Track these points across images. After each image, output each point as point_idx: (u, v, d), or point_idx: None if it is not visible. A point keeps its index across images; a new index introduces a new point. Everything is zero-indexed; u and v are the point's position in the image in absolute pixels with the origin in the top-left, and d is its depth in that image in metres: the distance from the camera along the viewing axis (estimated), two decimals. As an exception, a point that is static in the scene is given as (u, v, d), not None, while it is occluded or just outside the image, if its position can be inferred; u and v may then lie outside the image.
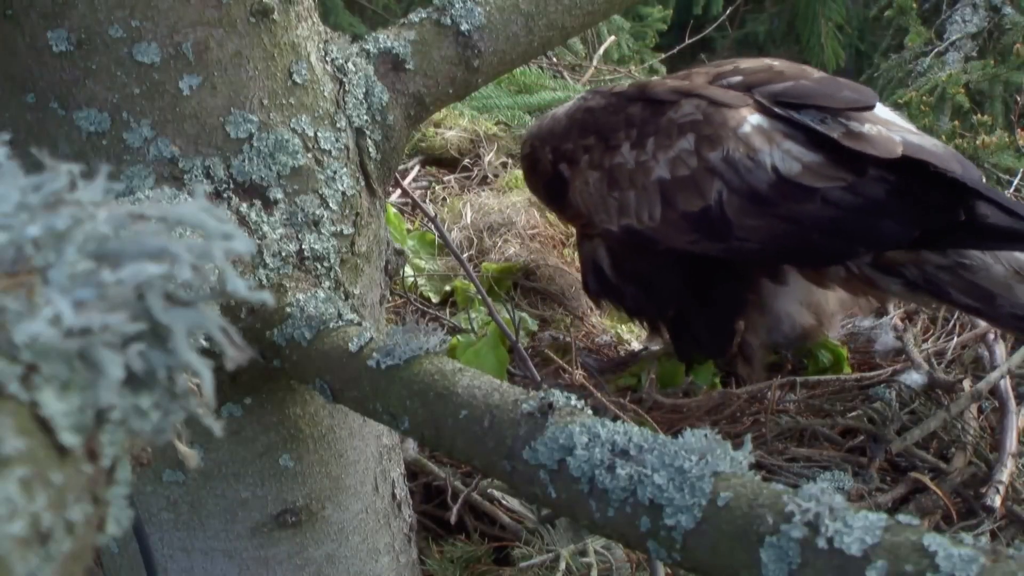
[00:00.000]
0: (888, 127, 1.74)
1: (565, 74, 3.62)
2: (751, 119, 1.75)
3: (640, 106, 1.87)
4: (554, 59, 3.75)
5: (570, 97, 3.14)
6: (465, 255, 2.38)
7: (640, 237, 1.84)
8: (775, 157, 1.71)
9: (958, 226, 1.62)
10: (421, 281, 2.33)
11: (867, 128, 1.71)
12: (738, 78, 1.87)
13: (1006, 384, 1.93)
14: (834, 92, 1.78)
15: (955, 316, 2.18)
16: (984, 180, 2.93)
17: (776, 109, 1.75)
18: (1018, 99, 3.48)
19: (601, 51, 3.95)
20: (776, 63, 1.93)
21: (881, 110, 1.82)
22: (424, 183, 2.82)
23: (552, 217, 2.59)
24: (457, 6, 1.23)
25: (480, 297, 1.94)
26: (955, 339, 2.14)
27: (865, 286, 1.81)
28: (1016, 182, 2.94)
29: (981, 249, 1.67)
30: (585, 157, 1.90)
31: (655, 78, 1.96)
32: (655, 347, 2.15)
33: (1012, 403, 1.90)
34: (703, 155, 1.75)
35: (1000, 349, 2.03)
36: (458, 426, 0.90)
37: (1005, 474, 1.71)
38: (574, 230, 2.22)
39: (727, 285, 1.88)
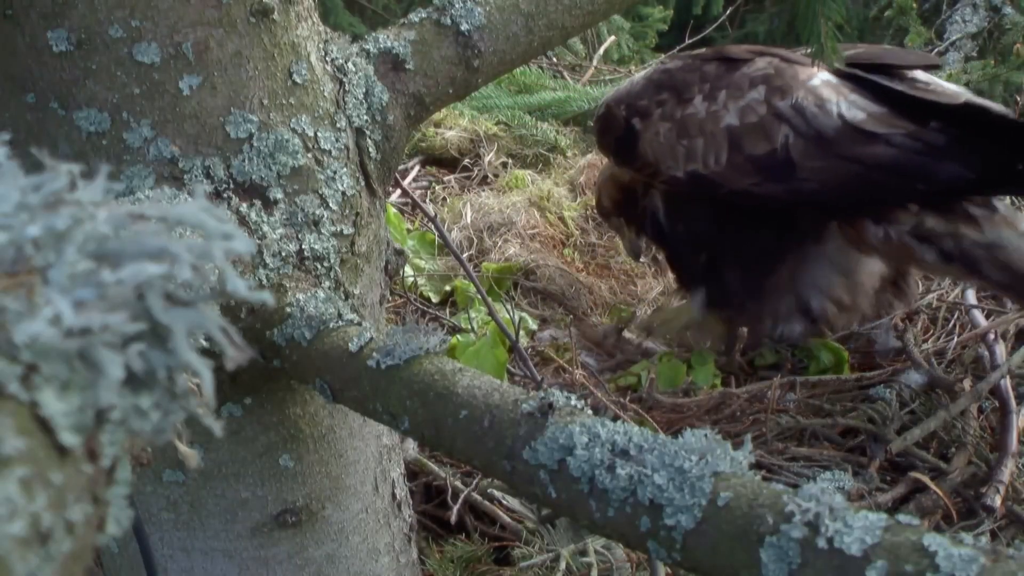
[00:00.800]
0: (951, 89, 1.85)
1: (565, 74, 3.62)
2: (822, 75, 1.86)
3: (715, 64, 1.99)
4: (554, 59, 3.75)
5: (571, 97, 3.15)
6: (465, 255, 2.38)
7: (704, 181, 1.92)
8: (842, 106, 1.82)
9: (1014, 175, 1.71)
10: (421, 281, 2.33)
11: (934, 84, 1.85)
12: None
13: (1006, 384, 1.93)
14: (902, 55, 1.94)
15: (955, 316, 2.18)
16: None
17: (846, 69, 1.82)
18: (1018, 99, 3.48)
19: (601, 51, 3.95)
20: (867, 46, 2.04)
21: (948, 84, 1.93)
22: (424, 183, 2.82)
23: (552, 217, 2.59)
24: (457, 6, 1.23)
25: (480, 297, 1.94)
26: (955, 339, 2.14)
27: (901, 253, 1.87)
28: (1016, 182, 2.93)
29: None
30: (658, 111, 1.99)
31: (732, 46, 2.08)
32: (652, 345, 2.15)
33: (1012, 403, 1.90)
34: (772, 103, 1.86)
35: (1000, 349, 2.03)
36: (458, 426, 0.90)
37: (1005, 474, 1.71)
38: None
39: (772, 234, 1.95)
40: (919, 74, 1.88)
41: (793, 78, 1.88)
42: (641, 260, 2.47)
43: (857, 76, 1.85)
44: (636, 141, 2.01)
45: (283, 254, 1.11)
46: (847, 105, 1.82)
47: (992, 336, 2.07)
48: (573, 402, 0.87)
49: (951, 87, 1.88)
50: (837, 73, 1.84)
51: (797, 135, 1.83)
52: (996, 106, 1.84)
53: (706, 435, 0.78)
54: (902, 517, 0.68)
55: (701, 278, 2.05)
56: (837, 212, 1.90)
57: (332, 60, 1.17)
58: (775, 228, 1.94)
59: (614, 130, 2.07)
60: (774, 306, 2.00)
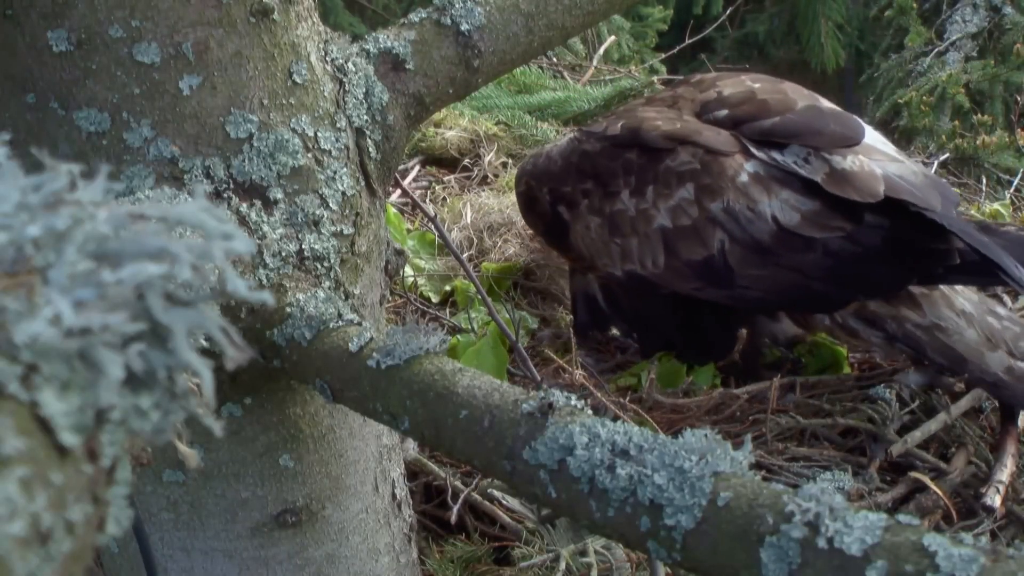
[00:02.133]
0: (870, 156, 1.81)
1: (565, 74, 3.62)
2: (747, 167, 1.82)
3: (636, 152, 1.93)
4: (554, 59, 3.76)
5: (571, 97, 3.15)
6: (465, 255, 2.38)
7: (644, 282, 1.92)
8: (774, 207, 1.78)
9: (948, 269, 1.71)
10: (421, 281, 2.33)
11: (849, 164, 1.78)
12: (723, 112, 1.93)
13: (1006, 384, 1.92)
14: (821, 128, 1.83)
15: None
16: (984, 181, 2.94)
17: (761, 154, 1.82)
18: (1018, 99, 3.48)
19: (601, 51, 3.95)
20: (758, 86, 1.98)
21: (870, 139, 1.87)
22: (424, 183, 2.82)
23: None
24: (457, 6, 1.23)
25: (480, 297, 1.94)
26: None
27: (848, 336, 1.90)
28: (1016, 182, 2.94)
29: (963, 284, 1.79)
30: (584, 201, 1.97)
31: (645, 116, 1.98)
32: None
33: (1012, 403, 1.89)
34: (704, 205, 1.83)
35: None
36: (458, 426, 0.90)
37: (1005, 474, 1.71)
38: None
39: (722, 324, 1.98)
40: (837, 156, 1.80)
41: (720, 175, 1.82)
42: None
43: (779, 165, 1.80)
44: (566, 231, 2.00)
45: (283, 254, 1.11)
46: (780, 205, 1.78)
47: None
48: (573, 402, 0.87)
49: (877, 158, 1.81)
50: (761, 162, 1.81)
51: (733, 241, 1.80)
52: (916, 185, 1.77)
53: (706, 435, 0.78)
54: (902, 517, 0.68)
55: (664, 345, 2.07)
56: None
57: (332, 60, 1.17)
58: (727, 317, 1.96)
59: (540, 215, 2.06)
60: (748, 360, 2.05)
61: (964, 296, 1.84)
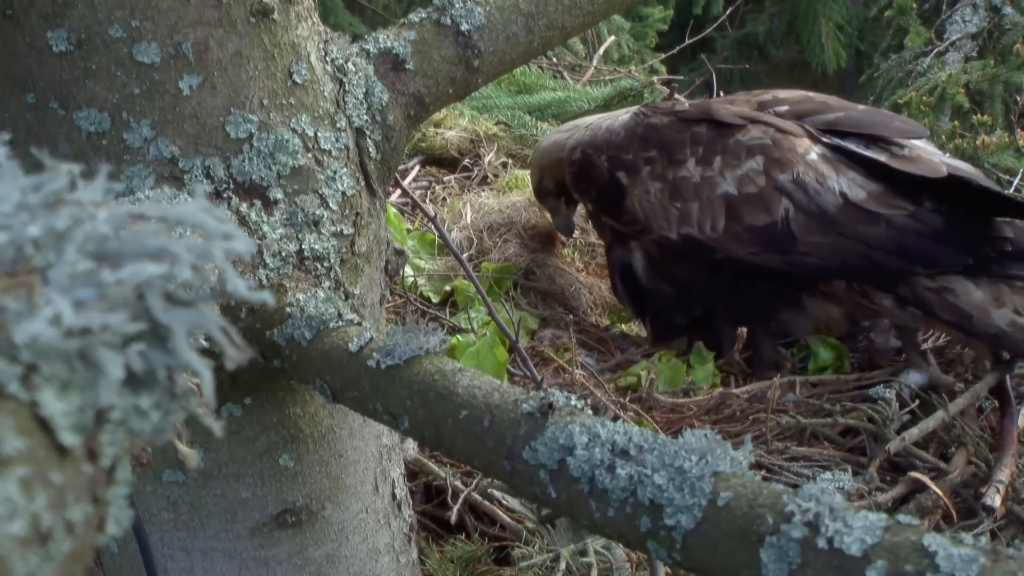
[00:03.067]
0: (928, 151, 1.93)
1: (565, 74, 3.62)
2: (816, 148, 1.93)
3: (706, 126, 2.01)
4: (554, 59, 3.75)
5: (571, 97, 3.15)
6: (465, 255, 2.37)
7: (699, 245, 1.98)
8: (842, 184, 1.89)
9: (1001, 254, 1.83)
10: (421, 281, 2.33)
11: (909, 152, 1.91)
12: (784, 107, 2.04)
13: (1006, 383, 1.93)
14: (885, 122, 1.98)
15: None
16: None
17: (825, 139, 1.93)
18: (1018, 99, 3.48)
19: (601, 51, 3.95)
20: (812, 94, 2.11)
21: (921, 143, 2.00)
22: (424, 183, 2.82)
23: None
24: (457, 6, 1.23)
25: (480, 297, 1.94)
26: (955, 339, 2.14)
27: (861, 299, 1.97)
28: (1016, 182, 2.94)
29: (1015, 271, 1.86)
30: (646, 168, 2.03)
31: (715, 100, 2.10)
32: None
33: (1012, 402, 1.90)
34: (772, 175, 1.92)
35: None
36: (458, 426, 0.90)
37: (1005, 474, 1.71)
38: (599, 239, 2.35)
39: (767, 291, 2.02)
40: (901, 142, 1.94)
41: (791, 151, 1.93)
42: (573, 236, 2.52)
43: (845, 149, 1.91)
44: (622, 196, 2.05)
45: (283, 254, 1.11)
46: (847, 183, 1.89)
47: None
48: (573, 402, 0.87)
49: (931, 153, 1.93)
50: (827, 145, 1.92)
51: (798, 209, 1.90)
52: (974, 173, 1.93)
53: (706, 435, 0.78)
54: (902, 517, 0.68)
55: (685, 329, 2.12)
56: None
57: (332, 60, 1.17)
58: (770, 285, 2.01)
59: (595, 180, 2.10)
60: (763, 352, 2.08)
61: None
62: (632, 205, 2.04)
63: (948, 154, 2.97)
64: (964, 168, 1.93)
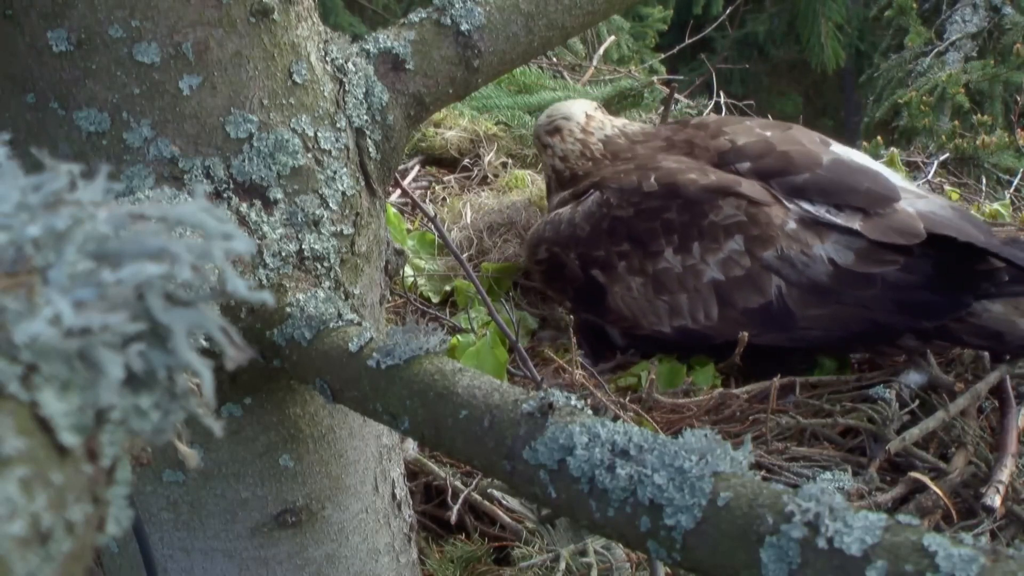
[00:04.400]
0: (907, 202, 1.88)
1: (565, 74, 3.62)
2: (791, 217, 1.89)
3: (676, 210, 1.94)
4: (554, 59, 3.76)
5: (570, 97, 3.15)
6: (465, 255, 2.38)
7: (695, 336, 1.96)
8: (828, 250, 1.85)
9: (999, 285, 1.80)
10: (421, 281, 2.33)
11: (882, 209, 1.86)
12: (746, 164, 1.97)
13: (1007, 384, 1.93)
14: (854, 186, 1.90)
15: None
16: (984, 181, 2.94)
17: (793, 206, 1.89)
18: (1018, 99, 3.48)
19: (601, 51, 3.95)
20: (769, 134, 2.03)
21: (882, 170, 1.97)
22: (424, 183, 2.82)
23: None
24: (457, 6, 1.22)
25: (480, 297, 1.94)
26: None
27: (885, 346, 1.96)
28: (1016, 182, 2.94)
29: (1018, 295, 1.84)
30: (622, 263, 1.98)
31: (676, 168, 1.99)
32: None
33: (1012, 402, 1.90)
34: (756, 254, 1.88)
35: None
36: (458, 426, 0.90)
37: (1005, 474, 1.71)
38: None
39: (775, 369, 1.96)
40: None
41: (768, 225, 1.88)
42: None
43: (814, 216, 1.88)
44: (603, 295, 2.01)
45: (283, 254, 1.11)
46: (833, 248, 1.85)
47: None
48: (573, 402, 0.87)
49: (909, 200, 1.88)
50: (797, 210, 1.88)
51: (790, 285, 1.87)
52: (951, 219, 1.86)
53: (706, 435, 0.78)
54: (902, 517, 0.68)
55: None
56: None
57: (332, 60, 1.17)
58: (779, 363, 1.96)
59: (570, 279, 2.06)
60: None
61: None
62: (616, 304, 2.01)
63: (948, 154, 2.98)
64: (943, 215, 1.87)
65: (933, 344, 1.92)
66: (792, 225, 1.88)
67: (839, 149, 2.04)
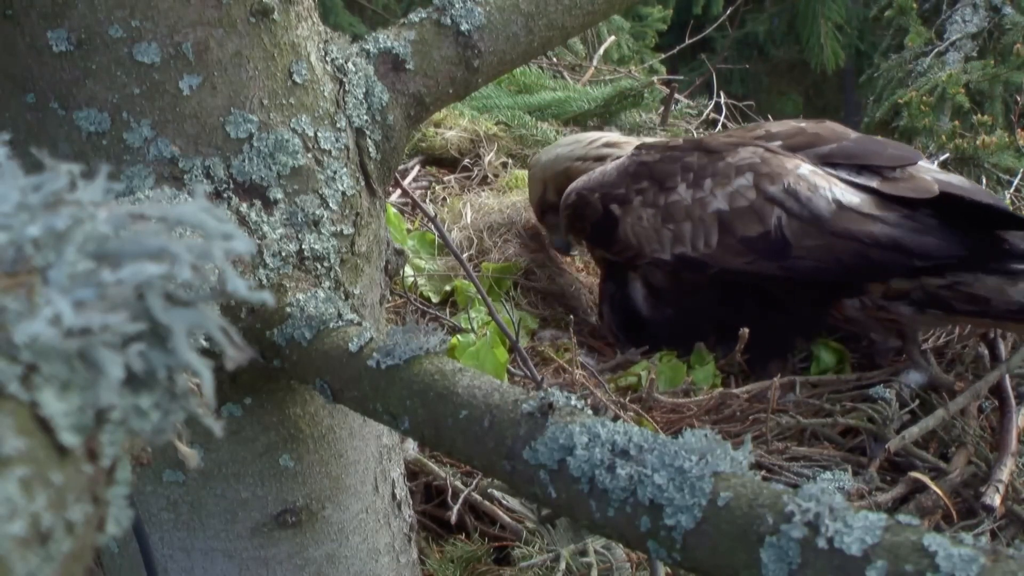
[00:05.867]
0: (920, 171, 1.94)
1: (565, 74, 3.62)
2: (807, 165, 1.96)
3: (696, 155, 2.07)
4: (554, 59, 3.76)
5: (571, 97, 3.15)
6: (465, 255, 2.37)
7: (692, 263, 2.01)
8: (834, 192, 1.91)
9: (999, 251, 1.84)
10: (421, 281, 2.33)
11: (900, 174, 1.93)
12: (776, 143, 2.06)
13: (1006, 383, 1.93)
14: (879, 150, 1.99)
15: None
16: (984, 181, 2.95)
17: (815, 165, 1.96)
18: (1018, 99, 3.48)
19: (601, 51, 3.95)
20: (804, 124, 2.14)
21: (922, 166, 2.00)
22: (424, 183, 2.82)
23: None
24: (457, 6, 1.22)
25: (480, 297, 1.94)
26: (955, 338, 2.14)
27: (880, 313, 1.97)
28: (1016, 182, 2.94)
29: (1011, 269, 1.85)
30: (638, 198, 2.08)
31: (710, 134, 2.15)
32: None
33: (1012, 402, 1.90)
34: (762, 188, 1.95)
35: (1000, 348, 2.03)
36: (458, 426, 0.90)
37: (1005, 473, 1.72)
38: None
39: (781, 325, 2.04)
40: (895, 167, 1.96)
41: (780, 167, 1.96)
42: (572, 253, 2.52)
43: (837, 175, 1.94)
44: (615, 226, 2.09)
45: (283, 254, 1.11)
46: (840, 191, 1.91)
47: (992, 335, 2.07)
48: (573, 402, 0.87)
49: (926, 171, 1.95)
50: (814, 168, 1.95)
51: (791, 216, 1.92)
52: (967, 187, 1.93)
53: (706, 435, 0.78)
54: (902, 517, 0.68)
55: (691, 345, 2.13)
56: (824, 290, 1.99)
57: (332, 60, 1.17)
58: (788, 317, 2.03)
59: (590, 216, 2.14)
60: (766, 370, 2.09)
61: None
62: (624, 233, 2.08)
63: (948, 154, 2.99)
64: (959, 183, 1.93)
65: (928, 314, 1.93)
66: (804, 171, 1.95)
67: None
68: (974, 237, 1.84)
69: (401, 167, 2.71)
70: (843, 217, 1.88)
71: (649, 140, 2.35)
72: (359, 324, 1.05)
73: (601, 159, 2.30)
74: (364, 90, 1.18)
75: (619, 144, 2.34)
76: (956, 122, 3.27)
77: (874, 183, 1.92)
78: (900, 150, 2.00)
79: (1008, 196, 2.88)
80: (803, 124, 2.14)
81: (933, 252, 1.84)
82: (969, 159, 3.05)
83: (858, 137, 2.05)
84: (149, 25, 1.01)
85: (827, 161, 1.98)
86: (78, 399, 0.39)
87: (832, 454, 1.82)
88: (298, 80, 1.11)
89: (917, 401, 1.90)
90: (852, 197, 1.90)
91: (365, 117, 1.19)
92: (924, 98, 3.39)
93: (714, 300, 2.07)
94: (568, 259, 2.54)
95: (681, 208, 2.02)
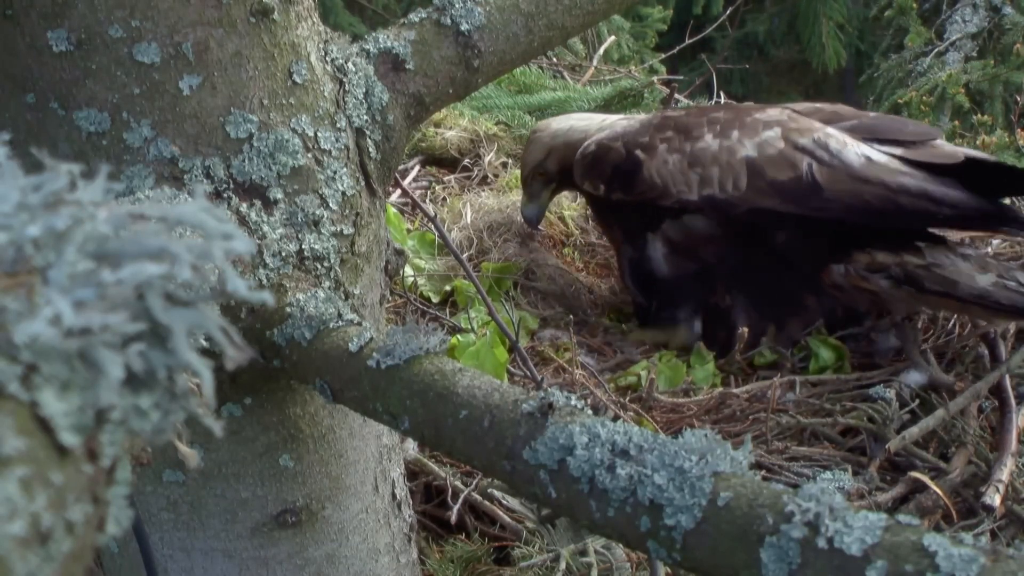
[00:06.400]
0: (940, 144, 2.03)
1: (565, 74, 3.62)
2: (830, 128, 2.02)
3: (723, 111, 2.12)
4: (554, 59, 3.75)
5: (571, 97, 3.15)
6: (465, 255, 2.37)
7: (720, 204, 2.03)
8: (863, 149, 1.98)
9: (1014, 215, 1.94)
10: (421, 281, 2.33)
11: (923, 146, 2.00)
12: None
13: (1006, 383, 1.93)
14: (901, 127, 2.07)
15: (954, 316, 2.18)
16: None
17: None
18: (1018, 99, 3.48)
19: (601, 51, 3.95)
20: (821, 104, 2.19)
21: (943, 144, 2.10)
22: (424, 183, 2.82)
23: (552, 217, 2.59)
24: (457, 6, 1.22)
25: (480, 297, 1.94)
26: (955, 338, 2.14)
27: (861, 283, 2.03)
28: (1016, 182, 2.93)
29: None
30: (663, 145, 2.09)
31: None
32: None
33: (1012, 402, 1.90)
34: (791, 140, 2.00)
35: (1000, 348, 2.03)
36: (458, 426, 0.90)
37: (1005, 473, 1.71)
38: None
39: (779, 270, 2.09)
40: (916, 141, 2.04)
41: (808, 124, 2.02)
42: (539, 229, 2.51)
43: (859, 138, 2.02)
44: (638, 169, 2.09)
45: (283, 254, 1.11)
46: (868, 149, 1.98)
47: (992, 335, 2.07)
48: (573, 402, 0.87)
49: (946, 146, 2.03)
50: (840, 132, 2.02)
51: (821, 164, 1.97)
52: (990, 158, 2.06)
53: (706, 435, 0.78)
54: (902, 517, 0.68)
55: (694, 312, 2.16)
56: (834, 241, 2.05)
57: (332, 60, 1.17)
58: (783, 266, 2.08)
59: (611, 161, 2.13)
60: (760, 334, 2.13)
61: (967, 249, 2.06)
62: (648, 174, 2.08)
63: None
64: (980, 154, 2.03)
65: (903, 290, 1.98)
66: (830, 130, 2.01)
67: None
68: (998, 194, 1.94)
69: (401, 167, 2.71)
70: (873, 167, 1.94)
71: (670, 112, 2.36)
72: (359, 324, 1.05)
73: None
74: (364, 90, 1.18)
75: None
76: (956, 122, 3.28)
77: (898, 151, 1.98)
78: (920, 127, 2.07)
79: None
80: (819, 104, 2.19)
81: (960, 203, 1.91)
82: (969, 159, 3.05)
83: (877, 115, 2.13)
84: (149, 25, 1.01)
85: (850, 134, 2.02)
86: (78, 399, 0.39)
87: (832, 454, 1.82)
88: (298, 80, 1.11)
89: (917, 401, 1.90)
90: (880, 155, 1.96)
91: (365, 117, 1.19)
92: (924, 98, 3.39)
93: (727, 254, 2.10)
94: (568, 259, 2.53)
95: (708, 154, 2.03)
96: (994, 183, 1.96)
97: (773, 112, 2.08)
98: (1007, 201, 2.07)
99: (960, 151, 1.99)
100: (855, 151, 1.97)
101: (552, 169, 2.32)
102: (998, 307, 1.91)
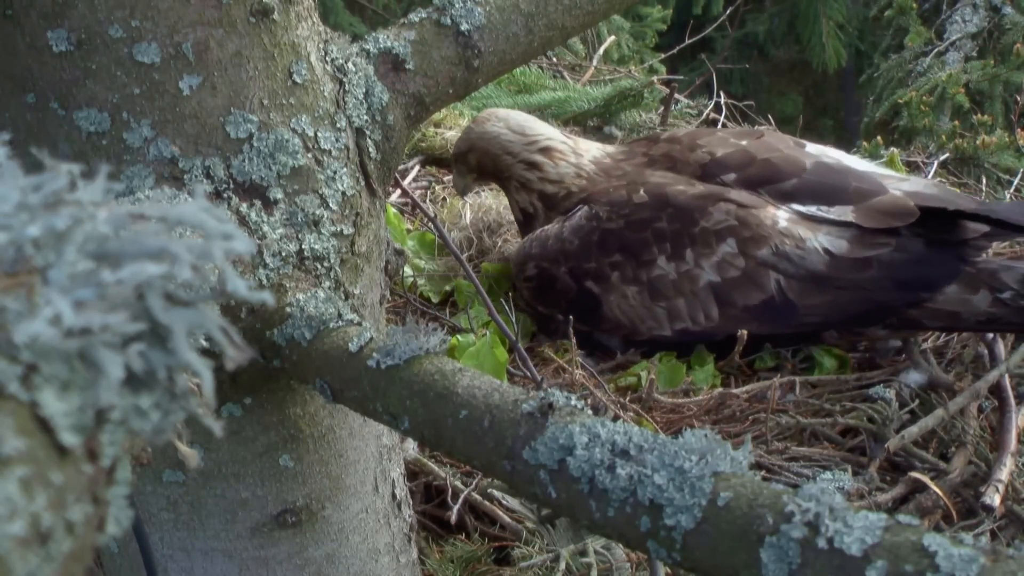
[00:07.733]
0: (892, 187, 1.97)
1: (565, 74, 3.62)
2: (779, 214, 1.95)
3: (667, 219, 1.98)
4: (554, 59, 3.76)
5: (571, 97, 3.14)
6: (465, 255, 2.37)
7: (697, 335, 2.01)
8: (822, 241, 1.92)
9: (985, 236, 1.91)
10: (421, 281, 2.33)
11: (874, 201, 1.93)
12: (731, 175, 2.02)
13: (1006, 383, 1.93)
14: (843, 184, 1.98)
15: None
16: (984, 181, 2.95)
17: (784, 207, 1.96)
18: (1018, 99, 3.48)
19: (601, 51, 3.95)
20: (744, 142, 2.08)
21: (858, 163, 2.07)
22: (424, 183, 2.82)
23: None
24: (457, 6, 1.22)
25: (480, 297, 1.94)
26: (955, 338, 2.14)
27: (854, 337, 2.05)
28: (1016, 182, 2.94)
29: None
30: (615, 274, 2.01)
31: (663, 182, 2.04)
32: None
33: (1012, 402, 1.90)
34: (750, 254, 1.93)
35: (1000, 348, 2.03)
36: (458, 426, 0.90)
37: (1005, 473, 1.71)
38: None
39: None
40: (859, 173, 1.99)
41: (759, 226, 1.93)
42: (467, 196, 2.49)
43: (811, 215, 1.95)
44: (598, 305, 2.03)
45: (283, 254, 1.11)
46: (826, 239, 1.92)
47: (992, 335, 2.07)
48: (573, 402, 0.87)
49: (896, 196, 1.95)
50: (789, 215, 1.95)
51: (789, 278, 1.92)
52: (937, 194, 1.97)
53: (706, 435, 0.78)
54: (902, 517, 0.68)
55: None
56: None
57: (332, 60, 1.17)
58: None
59: (562, 292, 2.06)
60: None
61: None
62: (612, 313, 2.03)
63: (948, 154, 3.01)
64: (927, 192, 1.97)
65: (902, 333, 1.99)
66: (783, 223, 1.93)
67: (814, 149, 2.11)
68: (962, 248, 1.89)
69: (401, 167, 2.71)
70: (840, 267, 1.89)
71: (588, 148, 2.20)
72: (359, 324, 1.05)
73: (533, 165, 2.17)
74: (364, 90, 1.18)
75: (554, 153, 2.17)
76: (956, 122, 3.28)
77: (849, 214, 1.92)
78: (862, 179, 1.98)
79: (1008, 196, 2.88)
80: (744, 143, 2.07)
81: (936, 280, 1.88)
82: (969, 159, 3.05)
83: (814, 167, 2.01)
84: (149, 25, 1.01)
85: (791, 199, 1.96)
86: (78, 399, 0.39)
87: (832, 454, 1.82)
88: (298, 80, 1.11)
89: (917, 401, 1.90)
90: (840, 243, 1.90)
91: (365, 117, 1.19)
92: (924, 98, 3.39)
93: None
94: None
95: (668, 283, 1.97)
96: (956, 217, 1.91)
97: (720, 215, 1.93)
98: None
99: (909, 202, 1.91)
100: (814, 246, 1.90)
101: (472, 163, 2.26)
102: (1009, 327, 1.93)
